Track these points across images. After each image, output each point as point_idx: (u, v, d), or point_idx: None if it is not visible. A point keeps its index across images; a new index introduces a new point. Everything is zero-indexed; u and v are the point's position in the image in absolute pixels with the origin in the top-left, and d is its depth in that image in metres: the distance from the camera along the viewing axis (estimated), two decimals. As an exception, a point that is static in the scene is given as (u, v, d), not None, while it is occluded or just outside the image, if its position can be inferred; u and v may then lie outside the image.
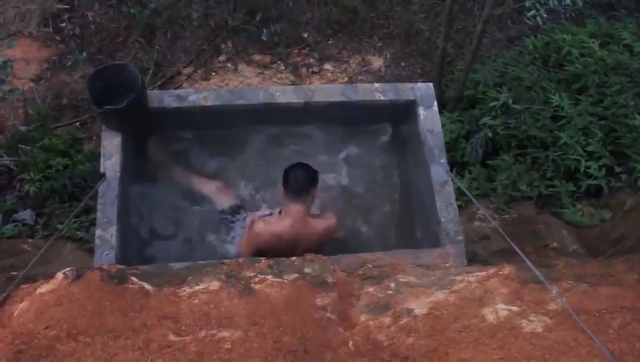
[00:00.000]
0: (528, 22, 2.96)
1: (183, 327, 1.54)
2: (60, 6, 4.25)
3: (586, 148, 3.41)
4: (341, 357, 1.55)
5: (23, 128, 3.58)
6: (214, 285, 1.70)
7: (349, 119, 2.94)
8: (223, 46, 4.23)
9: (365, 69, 4.21)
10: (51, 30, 4.17)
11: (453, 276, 1.84)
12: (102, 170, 2.44)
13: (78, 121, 3.80)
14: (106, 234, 2.32)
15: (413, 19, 4.35)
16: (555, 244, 3.13)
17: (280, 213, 2.47)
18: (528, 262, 1.73)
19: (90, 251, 2.67)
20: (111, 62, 2.93)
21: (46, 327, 1.46)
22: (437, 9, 4.45)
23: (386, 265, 2.21)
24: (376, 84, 2.78)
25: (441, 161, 2.59)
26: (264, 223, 2.37)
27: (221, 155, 2.92)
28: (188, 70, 4.10)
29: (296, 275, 1.82)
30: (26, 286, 1.64)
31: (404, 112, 2.82)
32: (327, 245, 2.52)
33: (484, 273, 1.78)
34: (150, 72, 4.00)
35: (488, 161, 3.55)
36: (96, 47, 4.12)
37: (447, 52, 3.69)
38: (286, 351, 1.49)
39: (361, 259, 2.29)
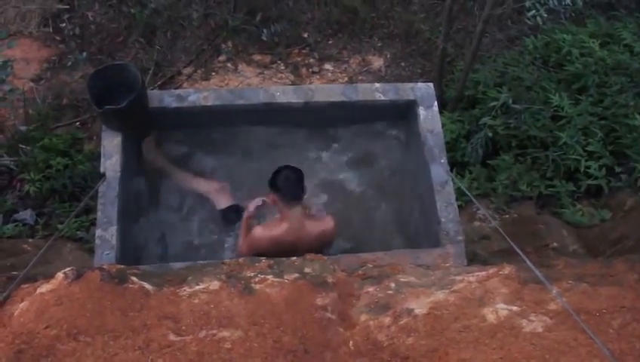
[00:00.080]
0: (528, 22, 2.96)
1: (183, 327, 1.54)
2: (60, 6, 4.25)
3: (586, 148, 3.41)
4: (341, 357, 1.55)
5: (23, 128, 3.59)
6: (214, 285, 1.70)
7: (349, 119, 2.93)
8: (223, 46, 4.23)
9: (365, 68, 4.21)
10: (51, 30, 4.18)
11: (454, 276, 1.84)
12: (102, 169, 2.44)
13: (78, 121, 3.81)
14: (107, 234, 2.32)
15: (413, 19, 4.35)
16: (555, 244, 3.13)
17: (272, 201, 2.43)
18: (528, 262, 1.73)
19: (91, 251, 2.68)
20: (111, 62, 2.93)
21: (46, 327, 1.46)
22: (437, 9, 4.45)
23: (386, 265, 2.21)
24: (377, 84, 2.78)
25: (442, 160, 2.59)
26: (263, 228, 2.36)
27: (220, 155, 2.92)
28: (188, 70, 4.10)
29: (296, 275, 1.82)
30: (26, 285, 1.64)
31: (404, 112, 2.82)
32: (328, 247, 2.51)
33: (484, 273, 1.78)
34: (150, 71, 4.00)
35: (488, 161, 3.55)
36: (97, 47, 4.12)
37: (447, 52, 3.69)
38: (286, 351, 1.49)
39: (361, 259, 2.29)
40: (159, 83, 3.99)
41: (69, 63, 3.95)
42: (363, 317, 1.68)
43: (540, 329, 1.47)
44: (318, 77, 4.14)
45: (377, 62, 4.25)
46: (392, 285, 1.84)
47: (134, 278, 1.69)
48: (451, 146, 3.51)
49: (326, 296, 1.74)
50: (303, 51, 4.27)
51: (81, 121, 3.81)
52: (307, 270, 1.89)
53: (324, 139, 2.99)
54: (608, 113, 3.50)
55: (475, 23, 3.81)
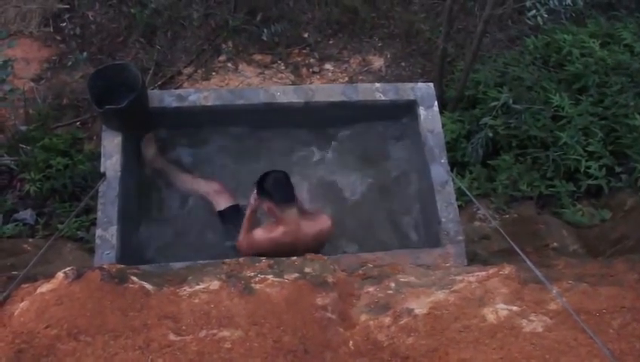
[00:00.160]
0: (529, 22, 2.97)
1: (184, 327, 1.54)
2: (61, 6, 4.25)
3: (587, 148, 3.41)
4: (341, 357, 1.55)
5: (23, 128, 3.59)
6: (215, 285, 1.70)
7: (349, 119, 2.93)
8: (223, 46, 4.23)
9: (366, 68, 4.21)
10: (52, 30, 4.17)
11: (454, 276, 1.84)
12: (102, 169, 2.44)
13: (78, 121, 3.80)
14: (107, 233, 2.32)
15: (413, 19, 4.35)
16: (555, 244, 3.13)
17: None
18: (528, 262, 1.73)
19: (91, 251, 2.68)
20: (111, 62, 2.93)
21: (47, 327, 1.46)
22: (437, 9, 4.45)
23: (386, 265, 2.21)
24: (377, 84, 2.78)
25: (442, 160, 2.59)
26: (262, 230, 2.38)
27: (219, 155, 2.92)
28: (188, 70, 4.10)
29: (296, 275, 1.82)
30: (26, 285, 1.64)
31: (404, 112, 2.82)
32: (326, 246, 2.51)
33: (484, 273, 1.78)
34: (150, 71, 4.00)
35: (489, 161, 3.55)
36: (97, 47, 4.12)
37: (447, 52, 3.69)
38: (286, 351, 1.49)
39: (362, 259, 2.29)
40: (159, 83, 3.99)
41: (70, 63, 3.95)
42: (363, 317, 1.68)
43: (540, 329, 1.47)
44: (318, 77, 4.14)
45: (378, 62, 4.25)
46: (392, 285, 1.84)
47: (134, 278, 1.69)
48: (451, 146, 3.51)
49: (326, 295, 1.74)
50: (304, 51, 4.27)
51: (82, 120, 3.81)
52: (307, 270, 1.89)
53: (324, 139, 2.99)
54: (608, 113, 3.50)
55: (475, 23, 3.81)
